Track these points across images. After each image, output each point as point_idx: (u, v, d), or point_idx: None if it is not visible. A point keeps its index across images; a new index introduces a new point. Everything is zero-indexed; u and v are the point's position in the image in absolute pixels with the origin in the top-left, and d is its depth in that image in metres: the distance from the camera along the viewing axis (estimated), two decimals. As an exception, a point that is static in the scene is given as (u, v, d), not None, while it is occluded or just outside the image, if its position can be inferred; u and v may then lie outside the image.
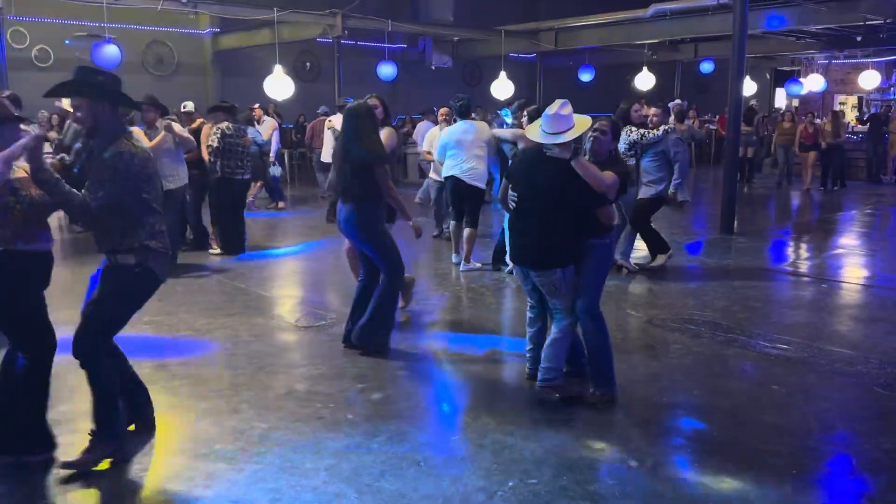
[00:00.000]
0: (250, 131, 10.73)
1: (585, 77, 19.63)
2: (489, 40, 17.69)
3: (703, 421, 4.07)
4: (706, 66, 20.78)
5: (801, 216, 12.20)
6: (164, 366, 4.80)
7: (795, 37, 17.73)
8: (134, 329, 5.49)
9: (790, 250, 9.22)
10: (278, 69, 12.89)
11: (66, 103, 10.13)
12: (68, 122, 10.76)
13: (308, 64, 18.02)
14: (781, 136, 15.46)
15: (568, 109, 3.98)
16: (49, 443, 3.51)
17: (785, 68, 25.64)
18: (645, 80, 17.73)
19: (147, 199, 3.36)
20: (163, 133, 7.17)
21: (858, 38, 16.25)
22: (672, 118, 7.51)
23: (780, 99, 25.59)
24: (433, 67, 18.82)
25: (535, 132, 4.05)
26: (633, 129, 7.16)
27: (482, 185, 7.28)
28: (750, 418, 4.06)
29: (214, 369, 4.78)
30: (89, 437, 3.45)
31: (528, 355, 4.52)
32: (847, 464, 3.66)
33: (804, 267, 8.18)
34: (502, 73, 16.29)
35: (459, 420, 4.11)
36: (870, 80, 18.32)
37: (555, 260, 4.06)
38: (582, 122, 3.98)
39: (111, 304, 3.44)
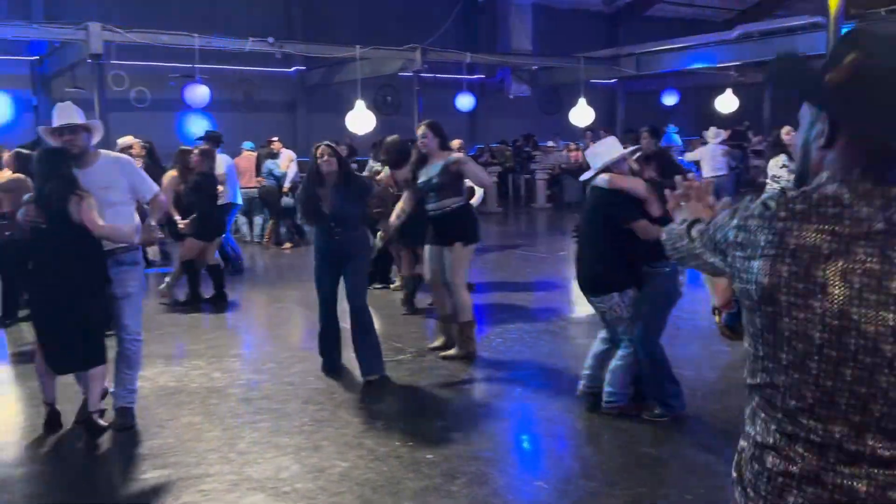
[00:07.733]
0: (268, 163, 11.00)
1: (669, 101, 19.23)
2: (568, 68, 17.57)
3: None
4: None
5: None
6: (248, 400, 4.87)
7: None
8: (222, 361, 5.65)
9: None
10: (360, 104, 13.14)
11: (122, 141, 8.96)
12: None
13: (388, 97, 18.33)
14: None
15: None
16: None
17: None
18: (727, 103, 17.13)
19: None
20: None
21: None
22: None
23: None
24: (511, 97, 18.83)
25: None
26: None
27: None
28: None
29: (296, 404, 4.81)
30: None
31: (585, 372, 4.46)
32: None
33: None
34: (581, 100, 16.10)
35: (543, 463, 3.99)
36: None
37: (606, 285, 4.17)
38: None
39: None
